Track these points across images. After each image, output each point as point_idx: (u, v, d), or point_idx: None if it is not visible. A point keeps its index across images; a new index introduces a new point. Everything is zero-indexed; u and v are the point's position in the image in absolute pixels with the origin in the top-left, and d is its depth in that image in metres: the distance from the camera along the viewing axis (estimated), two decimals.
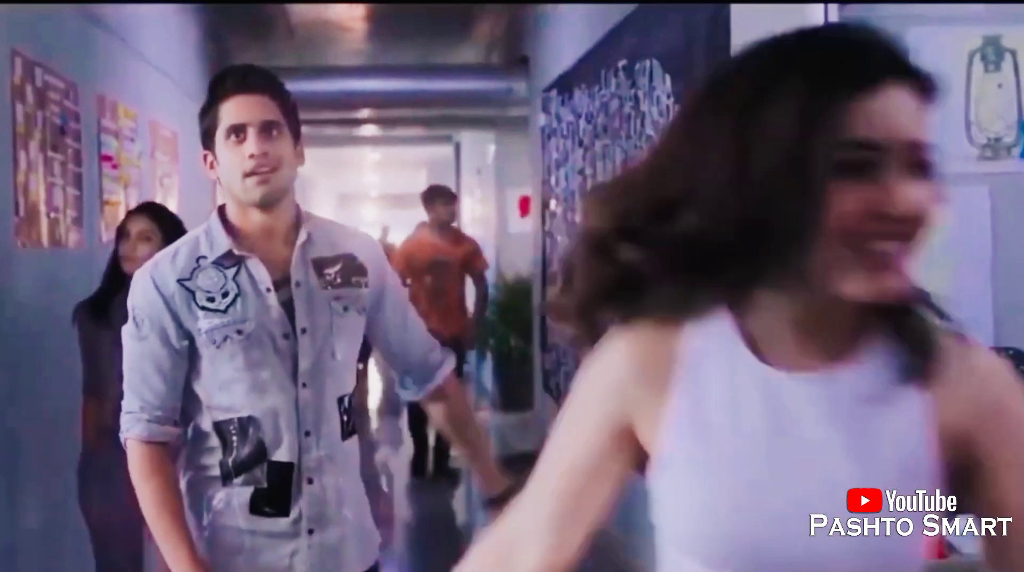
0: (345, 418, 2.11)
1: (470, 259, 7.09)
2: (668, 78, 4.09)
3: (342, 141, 14.54)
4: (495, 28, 9.50)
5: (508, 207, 9.88)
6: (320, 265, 2.10)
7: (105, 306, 3.23)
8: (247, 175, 2.02)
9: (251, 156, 2.02)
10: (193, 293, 2.03)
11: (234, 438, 2.04)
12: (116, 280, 3.24)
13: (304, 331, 2.06)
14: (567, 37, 6.45)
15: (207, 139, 2.09)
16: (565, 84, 6.22)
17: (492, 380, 10.01)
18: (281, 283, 2.07)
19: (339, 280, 2.10)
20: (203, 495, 2.06)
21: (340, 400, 2.10)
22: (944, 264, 2.92)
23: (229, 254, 2.05)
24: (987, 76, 2.92)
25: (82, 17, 4.58)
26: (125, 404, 2.04)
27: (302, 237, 2.09)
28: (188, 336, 2.03)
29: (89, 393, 3.37)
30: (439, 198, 7.14)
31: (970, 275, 2.93)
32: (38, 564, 3.72)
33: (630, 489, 3.96)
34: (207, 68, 8.28)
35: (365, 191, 22.25)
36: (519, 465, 5.44)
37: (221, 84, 2.08)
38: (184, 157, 6.80)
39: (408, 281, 6.51)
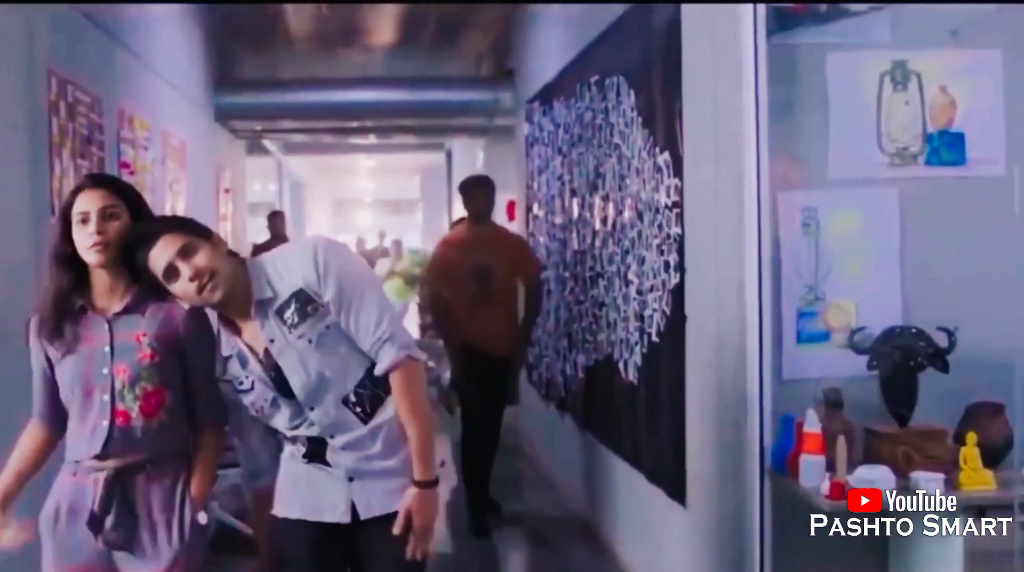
0: (358, 409, 2.52)
1: (519, 260, 5.84)
2: (632, 93, 4.56)
3: (338, 148, 14.99)
4: (484, 41, 9.95)
5: (496, 210, 10.30)
6: (280, 313, 2.50)
7: (63, 316, 2.57)
8: (199, 294, 2.44)
9: (191, 279, 2.43)
10: (231, 382, 2.56)
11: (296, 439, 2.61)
12: (78, 277, 2.59)
13: (293, 373, 2.50)
14: (549, 51, 6.91)
15: (164, 288, 2.48)
16: (546, 96, 6.68)
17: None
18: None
19: (296, 319, 2.49)
20: (282, 447, 2.64)
21: (345, 400, 2.51)
22: (860, 255, 3.43)
23: (232, 355, 2.55)
24: (895, 95, 3.39)
25: (105, 36, 5.05)
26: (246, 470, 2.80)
27: (254, 299, 2.48)
28: None
29: (46, 419, 2.66)
30: (478, 187, 5.90)
31: (882, 265, 3.42)
32: None
33: (618, 490, 4.49)
34: (211, 80, 8.76)
35: (360, 197, 22.69)
36: (507, 456, 5.80)
37: (133, 243, 2.48)
38: (191, 164, 7.27)
39: (445, 291, 5.69)
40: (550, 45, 6.90)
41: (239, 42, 9.74)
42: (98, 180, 2.65)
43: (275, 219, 9.86)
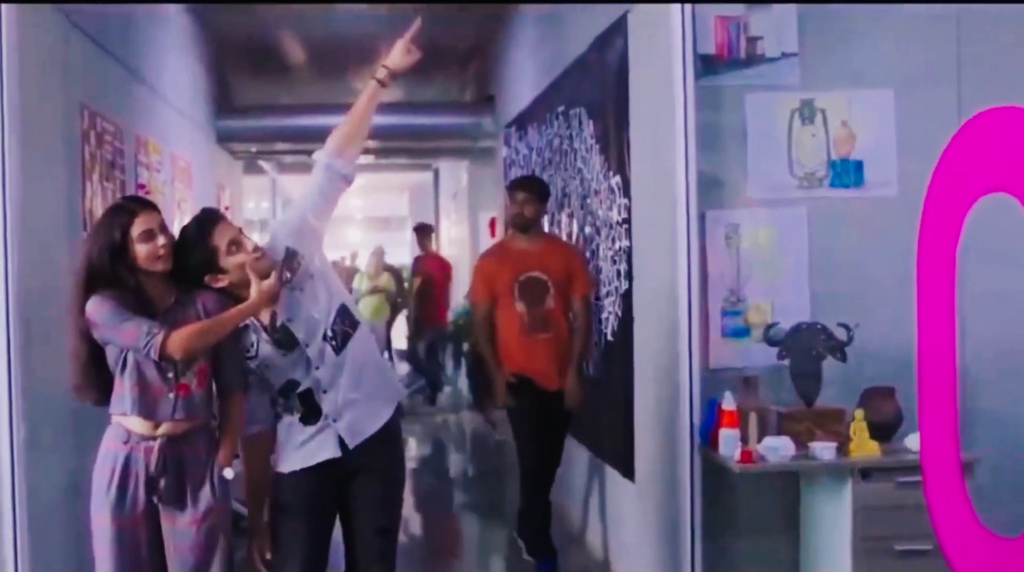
0: (333, 342, 3.12)
1: (574, 274, 4.94)
2: (591, 123, 5.18)
3: None
4: (467, 68, 10.58)
5: (479, 227, 10.91)
6: (280, 275, 3.11)
7: (152, 312, 2.98)
8: (255, 263, 3.00)
9: (252, 250, 3.03)
10: (244, 351, 3.13)
11: (289, 392, 3.16)
12: (138, 284, 2.98)
13: (291, 320, 3.11)
14: (524, 79, 7.54)
15: (213, 267, 3.01)
16: (521, 123, 7.31)
17: (467, 383, 11.05)
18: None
19: (289, 275, 3.12)
20: (281, 417, 3.19)
21: (324, 335, 3.12)
22: (774, 263, 4.04)
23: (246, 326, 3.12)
24: (803, 128, 4.01)
25: (124, 71, 5.66)
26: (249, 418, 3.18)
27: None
28: None
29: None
30: (519, 189, 5.05)
31: (793, 272, 4.04)
32: None
33: (583, 476, 5.38)
34: (211, 104, 9.39)
35: (351, 214, 23.20)
36: (491, 454, 6.49)
37: (199, 227, 3.05)
38: (196, 183, 7.89)
39: (485, 308, 4.99)
40: (526, 74, 7.53)
41: (238, 70, 10.37)
42: (146, 202, 3.12)
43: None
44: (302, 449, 3.17)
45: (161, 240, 2.96)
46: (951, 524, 2.24)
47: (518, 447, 5.04)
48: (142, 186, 5.87)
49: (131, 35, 5.93)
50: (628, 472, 4.61)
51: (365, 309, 11.10)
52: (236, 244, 3.04)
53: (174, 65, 7.38)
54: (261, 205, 16.96)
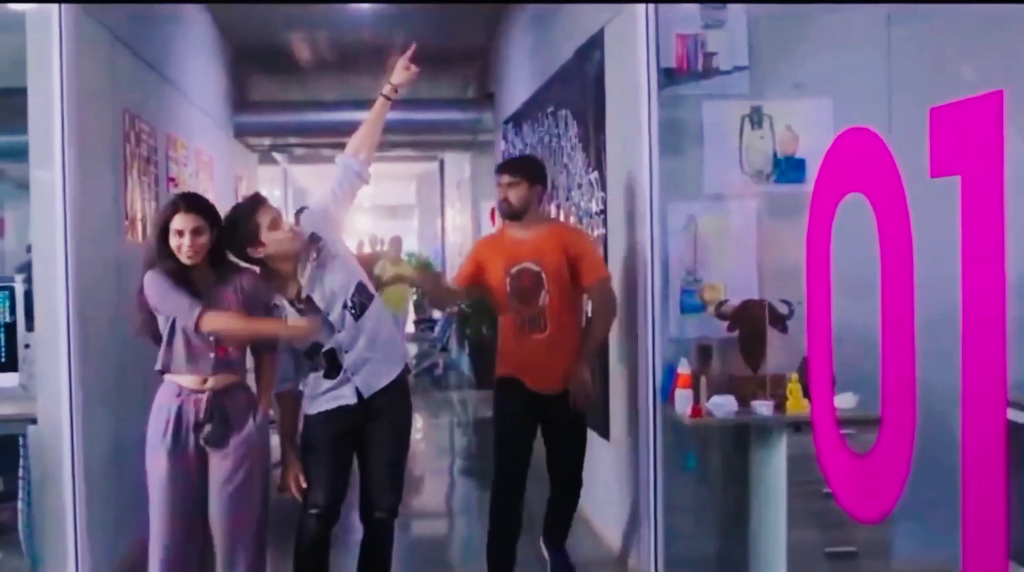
0: (353, 311, 3.72)
1: (575, 264, 4.39)
2: (575, 123, 5.79)
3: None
4: (470, 68, 11.15)
5: (482, 216, 11.49)
6: (310, 255, 3.72)
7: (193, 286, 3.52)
8: (291, 240, 3.64)
9: (290, 230, 3.65)
10: None
11: (314, 353, 3.75)
12: (181, 266, 3.50)
13: (313, 293, 3.70)
14: (520, 79, 8.13)
15: (255, 240, 3.59)
16: (517, 120, 7.91)
17: (468, 364, 11.67)
18: None
19: (315, 255, 3.71)
20: (308, 373, 3.79)
21: (344, 305, 3.71)
22: (727, 249, 4.62)
23: (278, 305, 3.73)
24: (753, 132, 4.58)
25: (159, 77, 6.28)
26: (281, 377, 3.77)
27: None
28: None
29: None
30: (503, 171, 4.51)
31: (743, 255, 4.59)
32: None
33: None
34: (230, 103, 10.02)
35: (359, 202, 23.75)
36: (490, 429, 7.12)
37: (246, 207, 3.65)
38: (217, 175, 8.52)
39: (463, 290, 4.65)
40: (522, 75, 8.12)
41: (253, 70, 10.97)
42: (190, 204, 3.53)
43: (297, 216, 11.06)
44: (326, 395, 3.79)
45: (187, 240, 3.47)
46: (830, 456, 2.86)
47: (494, 450, 4.45)
48: (172, 179, 6.49)
49: (161, 42, 6.55)
50: (604, 431, 5.23)
51: (388, 300, 11.68)
52: (275, 223, 3.63)
53: (196, 67, 8.02)
54: (274, 193, 17.57)
